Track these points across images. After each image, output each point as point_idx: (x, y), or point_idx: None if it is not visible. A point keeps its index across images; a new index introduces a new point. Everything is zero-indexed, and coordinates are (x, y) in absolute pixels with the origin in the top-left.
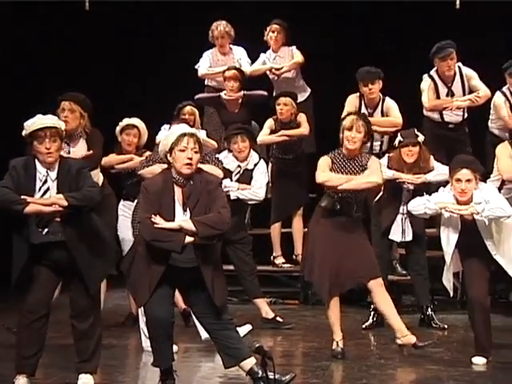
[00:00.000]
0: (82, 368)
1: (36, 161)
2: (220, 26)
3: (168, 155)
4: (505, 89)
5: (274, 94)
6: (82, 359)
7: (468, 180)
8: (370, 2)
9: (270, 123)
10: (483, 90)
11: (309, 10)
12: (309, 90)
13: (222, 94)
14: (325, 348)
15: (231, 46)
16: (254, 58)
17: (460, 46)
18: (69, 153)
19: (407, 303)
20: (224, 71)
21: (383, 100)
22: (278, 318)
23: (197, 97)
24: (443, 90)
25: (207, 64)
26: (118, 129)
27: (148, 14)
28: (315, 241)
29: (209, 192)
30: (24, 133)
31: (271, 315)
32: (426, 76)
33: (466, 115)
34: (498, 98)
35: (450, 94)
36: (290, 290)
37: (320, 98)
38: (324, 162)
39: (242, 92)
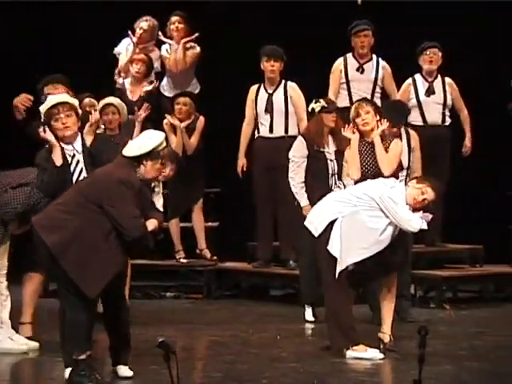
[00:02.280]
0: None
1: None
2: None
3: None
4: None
5: (167, 87)
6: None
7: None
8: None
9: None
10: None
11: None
12: (199, 87)
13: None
14: (228, 342)
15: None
16: None
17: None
18: None
19: None
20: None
21: (285, 83)
22: None
23: None
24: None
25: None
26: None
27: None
28: None
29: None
30: (42, 118)
31: None
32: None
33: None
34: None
35: (431, 91)
36: (193, 284)
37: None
38: (349, 155)
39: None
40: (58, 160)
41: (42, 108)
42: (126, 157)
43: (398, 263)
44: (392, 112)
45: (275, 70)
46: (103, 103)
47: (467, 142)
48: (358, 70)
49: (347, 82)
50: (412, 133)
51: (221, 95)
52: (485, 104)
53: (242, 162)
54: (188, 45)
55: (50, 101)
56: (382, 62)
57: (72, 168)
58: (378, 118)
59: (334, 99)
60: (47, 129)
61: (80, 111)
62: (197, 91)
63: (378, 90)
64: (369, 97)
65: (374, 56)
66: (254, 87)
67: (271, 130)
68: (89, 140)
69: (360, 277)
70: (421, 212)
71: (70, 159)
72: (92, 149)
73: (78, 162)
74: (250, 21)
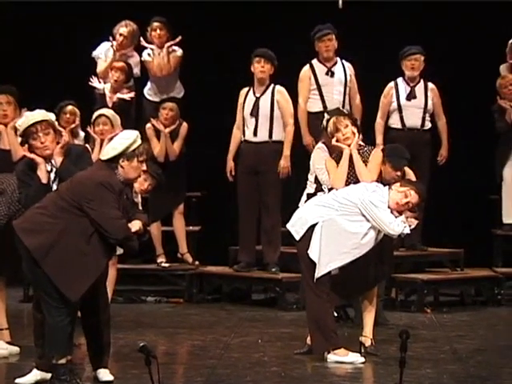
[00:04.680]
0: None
1: None
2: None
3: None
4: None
5: (151, 91)
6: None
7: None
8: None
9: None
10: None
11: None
12: (183, 90)
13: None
14: (209, 346)
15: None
16: None
17: (343, 45)
18: None
19: (292, 300)
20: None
21: (273, 87)
22: None
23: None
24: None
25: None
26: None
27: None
28: None
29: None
30: (18, 134)
31: None
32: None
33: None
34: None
35: (412, 96)
36: (174, 288)
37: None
38: (331, 165)
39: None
40: (44, 178)
41: (19, 126)
42: (103, 160)
43: (382, 278)
44: (393, 156)
45: (265, 71)
46: (96, 114)
47: (443, 150)
48: (327, 74)
49: (318, 88)
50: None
51: (205, 99)
52: (467, 105)
53: (230, 165)
54: (170, 49)
55: (28, 119)
56: (347, 63)
57: (51, 183)
58: (356, 130)
59: (303, 105)
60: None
61: (57, 126)
62: (181, 95)
63: (347, 91)
64: (341, 98)
65: (338, 58)
66: (244, 90)
67: (255, 134)
68: (58, 161)
69: (344, 291)
70: (403, 216)
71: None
72: (59, 172)
73: (55, 177)
74: (235, 24)
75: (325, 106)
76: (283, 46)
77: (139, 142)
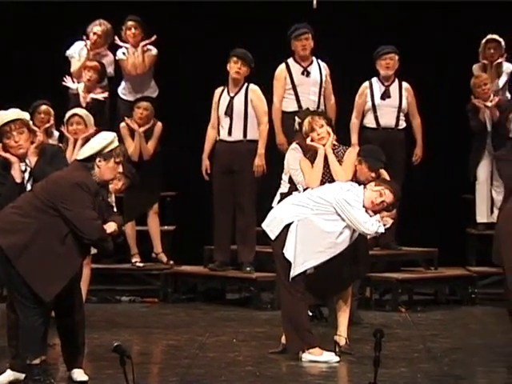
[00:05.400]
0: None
1: None
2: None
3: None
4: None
5: (125, 90)
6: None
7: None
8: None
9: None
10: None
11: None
12: (157, 90)
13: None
14: (184, 346)
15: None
16: None
17: (318, 45)
18: None
19: (267, 300)
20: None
21: (247, 86)
22: None
23: None
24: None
25: None
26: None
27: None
28: None
29: None
30: None
31: None
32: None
33: (401, 122)
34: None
35: (387, 95)
36: (149, 288)
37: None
38: (306, 165)
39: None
40: (18, 177)
41: None
42: (80, 160)
43: (357, 277)
44: (369, 157)
45: (241, 72)
46: (69, 114)
47: (418, 150)
48: (303, 73)
49: (294, 87)
50: None
51: (179, 98)
52: (441, 105)
53: (205, 164)
54: (145, 48)
55: (2, 118)
56: (323, 63)
57: (25, 182)
58: (330, 129)
59: (278, 105)
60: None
61: (32, 125)
62: (155, 94)
63: (323, 91)
64: (316, 98)
65: (314, 58)
66: (219, 90)
67: (230, 134)
68: (33, 161)
69: (319, 290)
70: (378, 215)
71: (26, 175)
72: (34, 172)
73: (30, 176)
74: (209, 23)
75: (300, 106)
76: (258, 44)
77: (116, 143)
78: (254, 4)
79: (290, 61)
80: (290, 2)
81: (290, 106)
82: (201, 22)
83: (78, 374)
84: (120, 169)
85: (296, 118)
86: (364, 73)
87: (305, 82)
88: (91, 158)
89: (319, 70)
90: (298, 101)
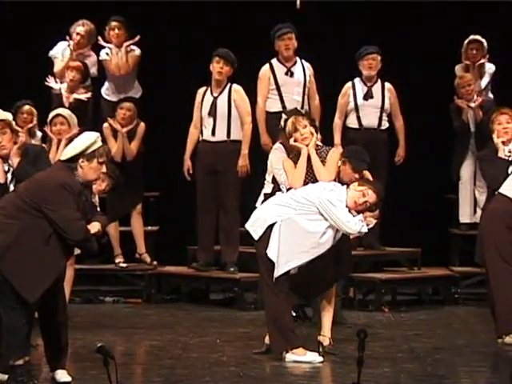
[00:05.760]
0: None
1: None
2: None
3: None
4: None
5: (109, 91)
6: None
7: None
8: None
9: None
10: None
11: None
12: (141, 90)
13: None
14: (168, 346)
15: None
16: None
17: (301, 45)
18: None
19: (250, 300)
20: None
21: (230, 86)
22: None
23: None
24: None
25: None
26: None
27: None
28: None
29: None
30: None
31: None
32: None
33: (384, 122)
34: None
35: (369, 95)
36: (132, 288)
37: None
38: (289, 165)
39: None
40: (1, 178)
41: None
42: (63, 161)
43: (341, 277)
44: (353, 158)
45: (223, 72)
46: (52, 114)
47: (400, 150)
48: (286, 73)
49: (277, 87)
50: None
51: (162, 98)
52: (425, 105)
53: (187, 164)
54: (128, 48)
55: None
56: (306, 63)
57: (8, 183)
58: (314, 130)
59: (262, 105)
60: None
61: (14, 125)
62: (139, 94)
63: (306, 91)
64: (300, 99)
65: (297, 58)
66: (202, 90)
67: (213, 134)
68: (15, 161)
69: (303, 291)
70: (361, 215)
71: (9, 176)
72: (16, 173)
73: (12, 177)
74: (194, 24)
75: (284, 106)
76: (242, 45)
77: (100, 143)
78: (237, 4)
79: (274, 61)
80: (274, 2)
81: (274, 106)
82: (184, 23)
83: (62, 375)
84: (103, 169)
85: (283, 114)
86: (347, 73)
87: (288, 82)
88: (74, 159)
89: (303, 70)
90: (282, 101)
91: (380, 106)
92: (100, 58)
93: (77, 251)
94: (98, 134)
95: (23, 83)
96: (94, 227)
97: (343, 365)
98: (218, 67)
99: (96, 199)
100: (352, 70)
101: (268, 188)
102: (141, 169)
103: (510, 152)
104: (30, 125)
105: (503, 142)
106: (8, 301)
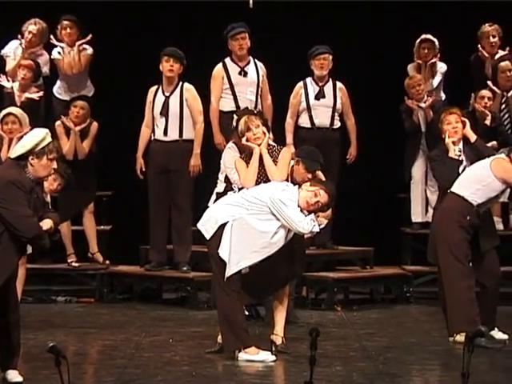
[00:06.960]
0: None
1: None
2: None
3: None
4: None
5: (61, 90)
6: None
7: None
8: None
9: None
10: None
11: None
12: (93, 89)
13: None
14: (120, 346)
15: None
16: None
17: (254, 45)
18: None
19: (203, 299)
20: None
21: (182, 85)
22: None
23: None
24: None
25: None
26: None
27: None
28: None
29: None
30: None
31: None
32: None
33: (335, 121)
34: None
35: (321, 95)
36: (85, 288)
37: None
38: (241, 165)
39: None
40: None
41: None
42: (13, 159)
43: (293, 277)
44: (307, 158)
45: (174, 70)
46: (3, 113)
47: (352, 149)
48: (240, 73)
49: (231, 87)
50: None
51: (115, 97)
52: (376, 105)
53: (139, 163)
54: (81, 47)
55: None
56: (260, 63)
57: None
58: (266, 130)
59: (215, 104)
60: None
61: None
62: (91, 93)
63: (260, 91)
64: (253, 98)
65: (251, 58)
66: (153, 89)
67: (166, 134)
68: None
69: (255, 290)
70: (313, 214)
71: None
72: None
73: None
74: (146, 23)
75: (237, 106)
76: (195, 44)
77: (49, 139)
78: (190, 4)
79: (228, 60)
80: (227, 1)
81: (228, 105)
82: (136, 22)
83: (13, 375)
84: (54, 165)
85: (234, 115)
86: (300, 73)
87: (242, 81)
88: (24, 157)
89: (256, 69)
90: (236, 100)
91: (332, 106)
92: (52, 57)
93: (29, 250)
94: (46, 131)
95: None
96: (46, 224)
97: (296, 364)
98: (167, 66)
99: (48, 198)
100: (304, 69)
101: (220, 187)
102: (93, 168)
103: (460, 152)
104: None
105: (453, 142)
106: None
